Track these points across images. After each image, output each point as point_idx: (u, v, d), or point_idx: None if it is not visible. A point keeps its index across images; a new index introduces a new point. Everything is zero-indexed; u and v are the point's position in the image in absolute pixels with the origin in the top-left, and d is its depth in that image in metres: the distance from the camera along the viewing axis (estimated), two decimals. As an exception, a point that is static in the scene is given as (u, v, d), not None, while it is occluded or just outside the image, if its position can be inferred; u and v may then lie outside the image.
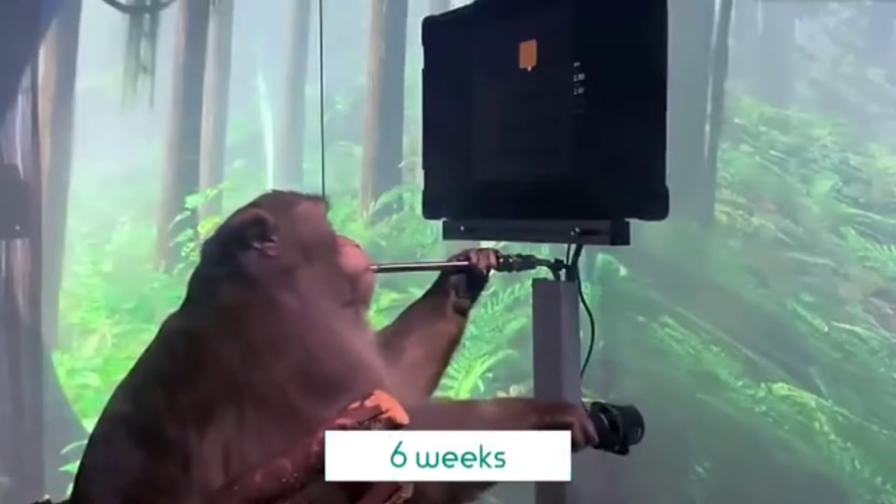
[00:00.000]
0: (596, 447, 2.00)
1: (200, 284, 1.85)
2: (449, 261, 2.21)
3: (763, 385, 5.89)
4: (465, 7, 2.34)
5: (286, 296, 1.78)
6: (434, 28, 2.42)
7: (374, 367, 1.78)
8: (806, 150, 6.61)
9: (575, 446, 1.84)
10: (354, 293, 1.93)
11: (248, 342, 1.69)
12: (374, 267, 2.04)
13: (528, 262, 2.27)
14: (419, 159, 2.47)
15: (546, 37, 2.12)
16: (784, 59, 7.03)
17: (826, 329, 6.00)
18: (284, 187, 2.02)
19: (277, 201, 1.92)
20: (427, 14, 2.47)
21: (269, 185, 7.04)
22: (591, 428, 1.90)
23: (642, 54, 1.92)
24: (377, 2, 7.34)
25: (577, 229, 2.08)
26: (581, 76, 2.03)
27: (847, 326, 6.00)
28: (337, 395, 1.64)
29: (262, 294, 1.77)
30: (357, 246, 2.00)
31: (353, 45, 7.56)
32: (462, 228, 2.40)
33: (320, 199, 1.98)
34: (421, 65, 2.44)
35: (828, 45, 7.00)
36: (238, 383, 1.65)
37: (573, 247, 2.19)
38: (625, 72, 1.96)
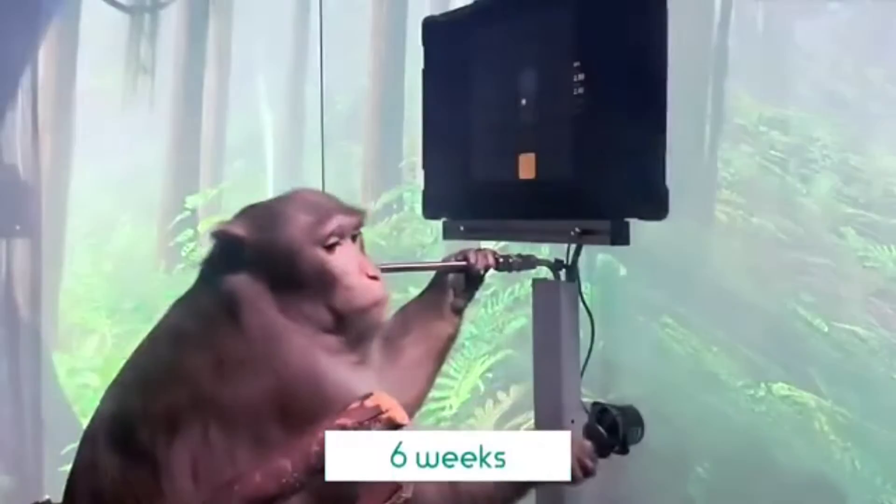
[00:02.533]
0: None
1: (200, 281, 1.84)
2: (447, 260, 2.21)
3: (763, 385, 5.89)
4: (465, 7, 2.34)
5: (263, 316, 1.72)
6: (434, 28, 2.43)
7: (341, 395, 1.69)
8: (806, 149, 6.61)
9: (574, 481, 1.84)
10: (359, 328, 1.82)
11: (217, 356, 1.67)
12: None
13: (528, 262, 2.27)
14: (419, 159, 2.47)
15: (546, 37, 2.13)
16: (784, 59, 7.03)
17: (826, 329, 5.99)
18: (300, 187, 1.90)
19: (272, 217, 1.79)
20: (427, 14, 2.47)
21: (270, 185, 7.08)
22: (588, 462, 1.89)
23: (642, 54, 1.93)
24: (377, 2, 7.34)
25: (576, 229, 2.08)
26: (581, 76, 2.03)
27: (847, 326, 5.99)
28: (302, 421, 1.61)
29: (240, 310, 1.71)
30: (374, 277, 1.84)
31: (354, 45, 7.55)
32: (462, 228, 2.40)
33: (355, 213, 1.86)
34: (420, 65, 2.44)
35: (828, 45, 7.00)
36: (205, 397, 1.64)
37: (573, 247, 2.19)
38: (625, 72, 1.96)
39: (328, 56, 5.36)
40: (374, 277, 1.82)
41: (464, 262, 2.19)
